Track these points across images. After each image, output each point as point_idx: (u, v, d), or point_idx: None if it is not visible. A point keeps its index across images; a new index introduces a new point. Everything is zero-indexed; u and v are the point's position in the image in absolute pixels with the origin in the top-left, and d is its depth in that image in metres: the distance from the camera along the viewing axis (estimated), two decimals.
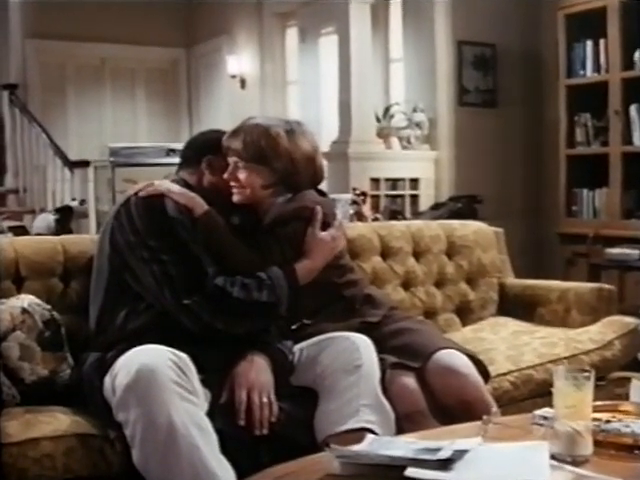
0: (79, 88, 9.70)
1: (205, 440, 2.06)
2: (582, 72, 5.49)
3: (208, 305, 2.30)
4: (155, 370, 2.06)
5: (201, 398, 2.18)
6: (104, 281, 2.43)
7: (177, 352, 2.14)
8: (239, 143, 2.53)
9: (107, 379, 2.21)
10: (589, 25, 5.36)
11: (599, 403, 1.93)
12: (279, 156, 2.53)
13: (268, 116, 2.75)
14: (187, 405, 2.07)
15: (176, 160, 2.77)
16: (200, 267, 2.34)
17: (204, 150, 2.61)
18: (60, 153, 7.41)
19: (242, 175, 2.53)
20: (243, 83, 9.15)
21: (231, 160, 2.55)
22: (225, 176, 2.54)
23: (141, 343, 2.19)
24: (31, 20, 8.89)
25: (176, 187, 2.45)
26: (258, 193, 2.55)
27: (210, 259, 2.37)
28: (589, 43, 5.40)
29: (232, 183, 2.55)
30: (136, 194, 2.41)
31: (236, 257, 2.43)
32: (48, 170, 7.74)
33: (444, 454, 1.67)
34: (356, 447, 1.82)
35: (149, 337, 2.23)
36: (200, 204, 2.43)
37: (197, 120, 10.08)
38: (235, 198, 2.56)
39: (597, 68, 5.37)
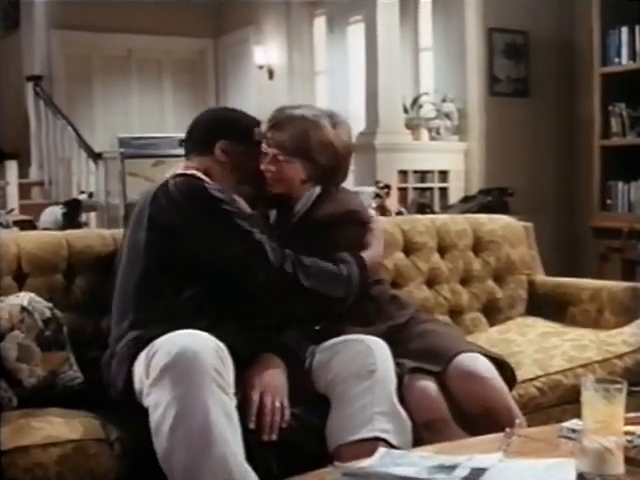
0: (105, 80, 9.74)
1: (234, 436, 1.95)
2: (617, 60, 5.40)
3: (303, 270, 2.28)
4: (198, 354, 1.95)
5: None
6: (139, 270, 2.29)
7: (219, 342, 2.03)
8: (285, 136, 2.46)
9: (141, 358, 2.08)
10: (625, 11, 5.27)
11: (632, 415, 1.78)
12: (325, 152, 2.47)
13: (307, 105, 2.65)
14: (223, 396, 1.96)
15: None
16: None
17: (217, 134, 2.48)
18: (85, 145, 7.39)
19: (284, 168, 2.46)
20: (271, 74, 9.12)
21: (270, 151, 2.47)
22: (262, 167, 2.47)
23: (178, 327, 2.08)
24: (56, 11, 8.92)
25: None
26: (295, 186, 2.49)
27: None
28: (625, 30, 5.30)
29: (268, 173, 2.47)
30: (173, 177, 2.32)
31: None
32: (73, 162, 7.74)
33: (460, 473, 1.55)
34: (365, 462, 1.71)
35: (185, 321, 2.13)
36: (244, 207, 2.37)
37: None
38: (269, 188, 2.49)
39: (633, 56, 5.27)
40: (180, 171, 2.39)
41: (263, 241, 2.26)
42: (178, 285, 2.25)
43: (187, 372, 1.93)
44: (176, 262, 2.26)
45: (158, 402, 1.96)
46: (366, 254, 2.45)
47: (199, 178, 2.34)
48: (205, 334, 2.04)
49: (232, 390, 2.03)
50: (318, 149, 2.46)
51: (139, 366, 2.09)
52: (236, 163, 2.46)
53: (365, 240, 2.50)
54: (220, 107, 2.74)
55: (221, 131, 2.48)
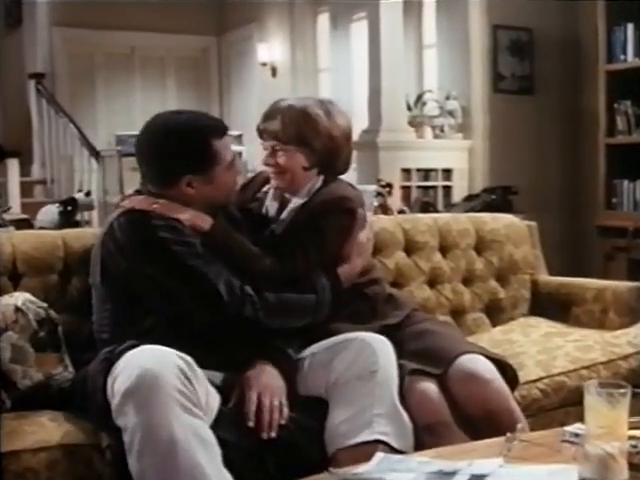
0: (108, 77, 9.70)
1: (207, 454, 1.91)
2: (623, 57, 5.37)
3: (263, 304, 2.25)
4: (158, 377, 1.91)
5: (210, 405, 2.05)
6: (108, 300, 2.30)
7: (185, 356, 1.99)
8: (277, 125, 2.46)
9: (108, 380, 2.06)
10: (630, 7, 5.23)
11: (636, 419, 1.73)
12: (319, 135, 2.46)
13: (300, 97, 2.66)
14: (189, 418, 1.92)
15: None
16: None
17: (182, 169, 2.29)
18: (87, 143, 7.37)
19: (282, 159, 2.46)
20: (274, 71, 9.08)
21: (268, 144, 2.47)
22: (262, 161, 2.48)
23: (149, 342, 2.05)
24: (58, 8, 8.89)
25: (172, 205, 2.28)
26: (298, 176, 2.48)
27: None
28: (630, 26, 5.27)
29: (271, 168, 2.48)
30: (118, 217, 2.26)
31: (254, 267, 2.32)
32: (75, 160, 7.71)
33: None
34: (362, 468, 1.66)
35: (158, 337, 2.10)
36: (203, 218, 2.30)
37: (227, 109, 10.04)
38: (274, 183, 2.50)
39: (639, 52, 5.24)
40: (128, 205, 2.29)
41: (217, 283, 2.19)
42: (145, 312, 2.23)
43: (149, 397, 1.90)
44: (136, 297, 2.24)
45: (125, 426, 1.94)
46: (342, 270, 2.43)
47: (147, 214, 2.23)
48: (169, 350, 2.00)
49: (203, 407, 1.99)
50: (310, 133, 2.45)
51: (108, 386, 2.05)
52: (205, 194, 2.32)
53: (352, 231, 2.47)
54: (177, 119, 2.29)
55: (188, 165, 2.29)
